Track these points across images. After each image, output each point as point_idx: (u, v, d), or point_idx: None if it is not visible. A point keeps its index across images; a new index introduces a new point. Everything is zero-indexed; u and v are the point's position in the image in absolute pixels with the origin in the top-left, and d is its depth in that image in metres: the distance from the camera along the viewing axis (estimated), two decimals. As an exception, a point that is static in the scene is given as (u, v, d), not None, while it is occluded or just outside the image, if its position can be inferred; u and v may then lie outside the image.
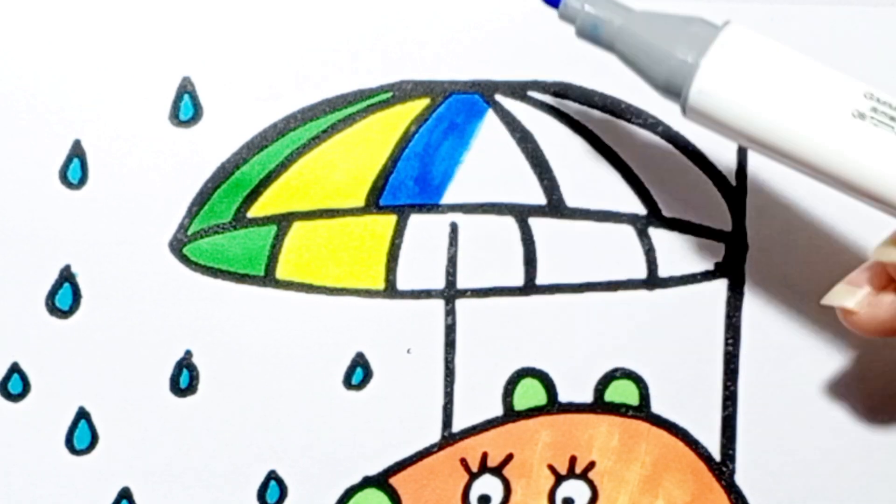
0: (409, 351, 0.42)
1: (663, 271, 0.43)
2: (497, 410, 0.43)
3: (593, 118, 0.43)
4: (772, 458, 0.43)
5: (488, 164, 0.42)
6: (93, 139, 0.42)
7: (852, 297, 0.37)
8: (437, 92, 0.42)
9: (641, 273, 0.43)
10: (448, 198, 0.42)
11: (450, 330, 0.42)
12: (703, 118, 0.34)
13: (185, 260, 0.42)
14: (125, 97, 0.42)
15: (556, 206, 0.43)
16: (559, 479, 0.43)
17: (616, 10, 0.35)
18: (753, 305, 0.43)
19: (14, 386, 0.42)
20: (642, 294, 0.42)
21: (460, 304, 0.42)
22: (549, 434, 0.43)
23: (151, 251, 0.42)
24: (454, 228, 0.42)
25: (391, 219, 0.42)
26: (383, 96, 0.42)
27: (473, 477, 0.43)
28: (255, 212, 0.42)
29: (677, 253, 0.43)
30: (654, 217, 0.43)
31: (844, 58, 0.43)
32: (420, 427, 0.42)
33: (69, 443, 0.42)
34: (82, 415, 0.42)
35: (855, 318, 0.37)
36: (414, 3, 0.42)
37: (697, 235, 0.43)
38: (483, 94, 0.43)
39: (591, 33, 0.36)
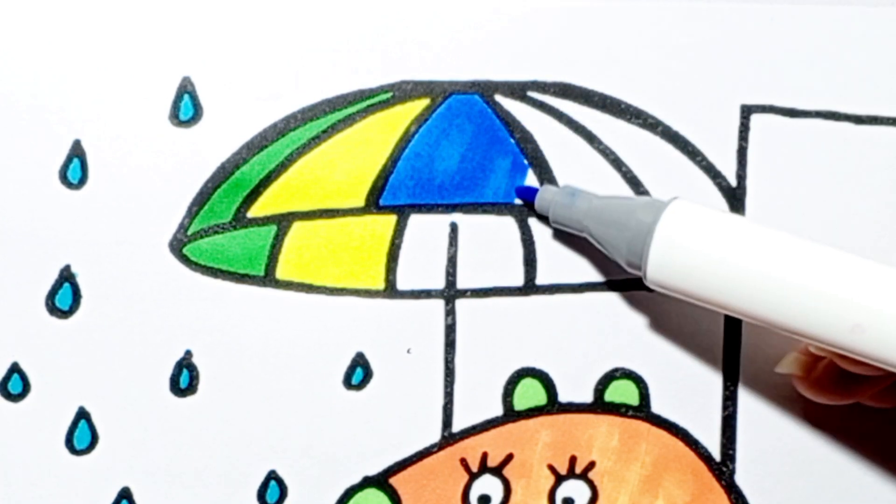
0: (409, 351, 0.42)
1: (663, 271, 0.43)
2: (497, 410, 0.43)
3: (593, 118, 0.43)
4: (772, 458, 0.43)
5: (488, 164, 0.42)
6: (93, 139, 0.42)
7: (796, 364, 0.41)
8: (437, 92, 0.42)
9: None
10: (448, 198, 0.42)
11: (450, 330, 0.42)
12: (662, 284, 0.38)
13: (185, 260, 0.42)
14: (125, 97, 0.42)
15: (556, 206, 0.42)
16: (559, 479, 0.43)
17: (580, 196, 0.40)
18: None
19: (14, 386, 0.42)
20: (642, 294, 0.42)
21: (460, 304, 0.42)
22: (549, 434, 0.43)
23: (151, 251, 0.42)
24: (454, 228, 0.42)
25: (391, 219, 0.42)
26: (383, 96, 0.42)
27: (473, 477, 0.43)
28: (255, 212, 0.42)
29: (677, 253, 0.43)
30: (654, 217, 0.43)
31: (844, 58, 0.43)
32: (420, 427, 0.42)
33: (69, 443, 0.42)
34: (82, 415, 0.42)
35: (801, 383, 0.41)
36: (414, 3, 0.42)
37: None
38: (483, 94, 0.43)
39: (562, 219, 0.41)
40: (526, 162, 0.42)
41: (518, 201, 0.43)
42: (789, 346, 0.41)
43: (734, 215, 0.39)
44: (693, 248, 0.37)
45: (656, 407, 0.43)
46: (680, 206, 0.38)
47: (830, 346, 0.36)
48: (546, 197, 0.41)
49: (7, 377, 0.42)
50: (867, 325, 0.35)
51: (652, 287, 0.38)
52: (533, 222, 0.43)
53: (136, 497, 0.42)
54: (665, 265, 0.37)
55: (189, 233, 0.42)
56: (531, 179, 0.42)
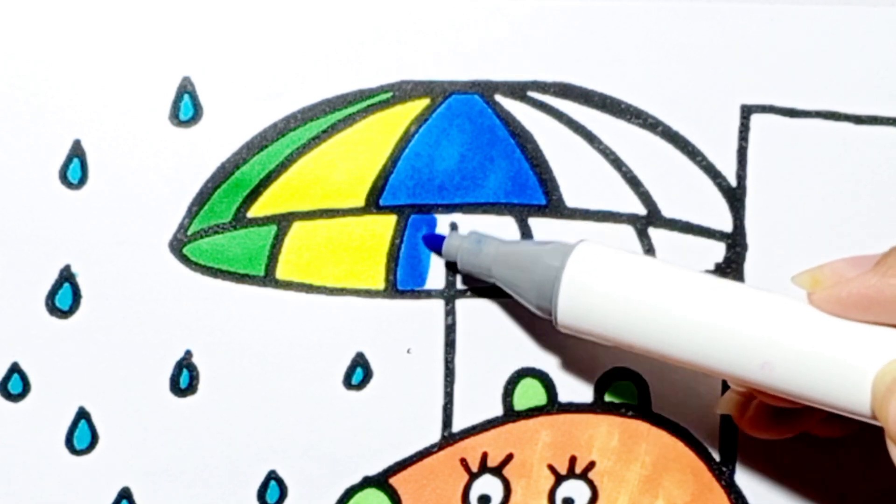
0: (409, 351, 0.42)
1: (663, 271, 0.43)
2: (497, 410, 0.43)
3: (593, 118, 0.43)
4: (772, 458, 0.43)
5: (488, 165, 0.42)
6: (93, 139, 0.42)
7: (730, 404, 0.41)
8: (437, 92, 0.42)
9: (641, 273, 0.43)
10: (448, 198, 0.42)
11: (450, 330, 0.42)
12: (572, 328, 0.38)
13: (185, 260, 0.42)
14: (125, 97, 0.42)
15: (556, 206, 0.43)
16: (559, 479, 0.43)
17: (487, 242, 0.40)
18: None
19: (14, 386, 0.42)
20: (642, 294, 0.42)
21: (460, 304, 0.42)
22: (549, 434, 0.43)
23: (151, 251, 0.42)
24: (454, 228, 0.42)
25: (391, 219, 0.42)
26: (383, 96, 0.42)
27: (473, 477, 0.43)
28: (255, 212, 0.42)
29: (677, 253, 0.43)
30: (654, 217, 0.43)
31: (844, 58, 0.43)
32: (420, 427, 0.42)
33: (69, 443, 0.42)
34: (82, 415, 0.42)
35: (738, 423, 0.41)
36: (414, 3, 0.42)
37: (697, 235, 0.43)
38: (483, 94, 0.43)
39: (470, 265, 0.41)
40: (526, 163, 0.43)
41: (517, 201, 0.43)
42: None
43: (642, 256, 0.39)
44: (601, 290, 0.37)
45: (656, 407, 0.43)
46: (586, 249, 0.38)
47: (742, 382, 0.36)
48: (453, 244, 0.41)
49: (7, 377, 0.42)
50: (776, 361, 0.35)
51: (563, 331, 0.38)
52: (533, 222, 0.43)
53: (136, 497, 0.42)
54: (574, 309, 0.37)
55: (189, 233, 0.42)
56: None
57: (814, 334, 0.35)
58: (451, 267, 0.42)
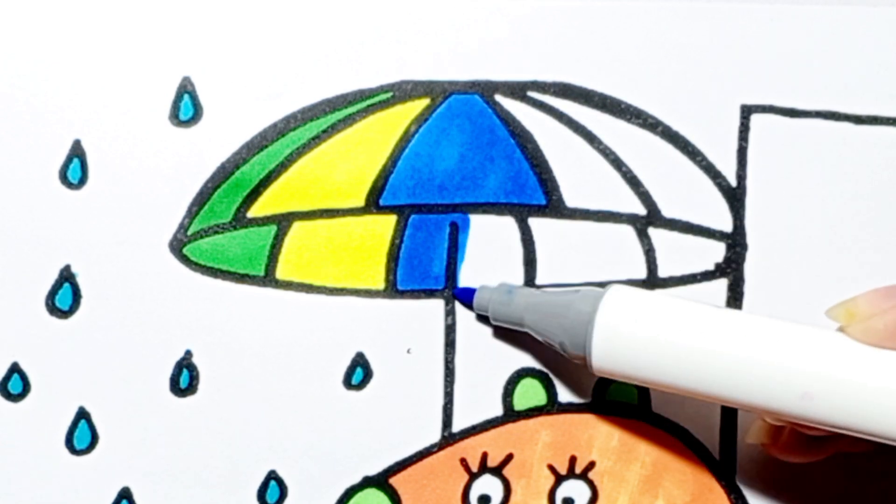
0: (409, 351, 0.42)
1: (663, 271, 0.43)
2: (497, 410, 0.43)
3: (593, 118, 0.43)
4: (772, 458, 0.43)
5: (488, 165, 0.42)
6: (93, 139, 0.42)
7: (762, 433, 0.41)
8: (437, 92, 0.42)
9: (641, 273, 0.43)
10: (448, 198, 0.42)
11: (450, 330, 0.42)
12: (608, 372, 0.38)
13: (185, 260, 0.42)
14: (125, 97, 0.42)
15: (556, 206, 0.43)
16: (559, 479, 0.43)
17: (517, 293, 0.41)
18: (753, 305, 0.43)
19: (14, 386, 0.42)
20: (642, 294, 0.42)
21: (460, 304, 0.42)
22: (549, 434, 0.43)
23: (151, 251, 0.42)
24: (454, 228, 0.42)
25: (391, 219, 0.42)
26: (383, 96, 0.42)
27: (473, 477, 0.43)
28: (255, 212, 0.42)
29: (677, 253, 0.43)
30: (654, 217, 0.43)
31: (844, 58, 0.43)
32: (420, 427, 0.42)
33: (69, 443, 0.42)
34: (82, 415, 0.42)
35: (771, 450, 0.41)
36: (414, 3, 0.42)
37: (697, 235, 0.43)
38: (483, 94, 0.43)
39: (503, 317, 0.41)
40: (526, 163, 0.43)
41: (517, 201, 0.43)
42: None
43: (671, 296, 0.39)
44: (634, 333, 0.37)
45: (656, 407, 0.43)
46: (617, 293, 0.38)
47: (782, 415, 0.36)
48: (484, 297, 0.41)
49: (7, 377, 0.42)
50: (816, 391, 0.35)
51: (597, 375, 0.38)
52: (533, 222, 0.43)
53: (136, 497, 0.42)
54: (608, 353, 0.37)
55: (189, 233, 0.42)
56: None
57: (853, 364, 0.35)
58: (484, 320, 0.42)
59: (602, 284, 0.40)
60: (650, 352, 0.37)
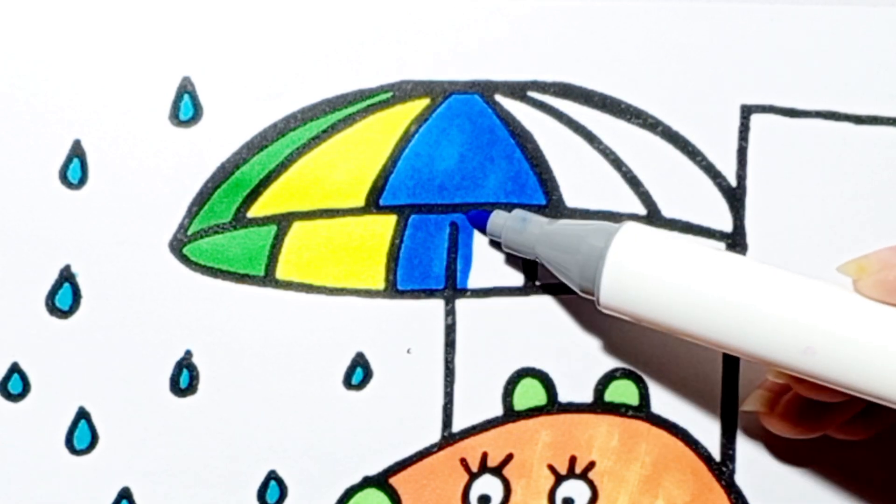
0: (409, 351, 0.42)
1: (663, 271, 0.43)
2: (497, 410, 0.43)
3: (593, 118, 0.43)
4: (772, 458, 0.43)
5: (488, 165, 0.42)
6: (93, 139, 0.42)
7: (758, 400, 0.41)
8: (437, 92, 0.42)
9: (641, 273, 0.43)
10: (448, 198, 0.42)
11: (450, 330, 0.42)
12: (615, 308, 0.38)
13: (185, 260, 0.42)
14: (125, 97, 0.42)
15: (556, 206, 0.43)
16: (559, 479, 0.43)
17: (532, 221, 0.41)
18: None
19: (14, 386, 0.42)
20: (642, 294, 0.42)
21: (460, 304, 0.42)
22: (549, 434, 0.43)
23: (151, 251, 0.42)
24: (454, 228, 0.42)
25: (391, 219, 0.42)
26: (383, 96, 0.42)
27: (473, 477, 0.43)
28: (255, 212, 0.42)
29: (677, 253, 0.43)
30: (654, 217, 0.43)
31: (844, 58, 0.43)
32: (420, 427, 0.42)
33: (69, 443, 0.42)
34: (82, 415, 0.42)
35: (766, 419, 0.41)
36: (414, 3, 0.42)
37: (697, 235, 0.43)
38: (483, 94, 0.43)
39: (514, 243, 0.41)
40: (526, 163, 0.43)
41: (518, 201, 0.43)
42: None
43: (685, 239, 0.39)
44: (643, 272, 0.37)
45: (656, 407, 0.43)
46: (631, 230, 0.38)
47: (783, 368, 0.36)
48: (498, 222, 0.41)
49: (7, 377, 0.42)
50: (819, 346, 0.35)
51: (605, 311, 0.38)
52: (533, 222, 0.43)
53: (136, 497, 0.42)
54: (617, 290, 0.37)
55: (189, 233, 0.42)
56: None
57: (858, 320, 0.35)
58: (495, 245, 0.42)
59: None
60: (657, 292, 0.37)
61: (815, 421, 0.40)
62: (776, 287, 0.36)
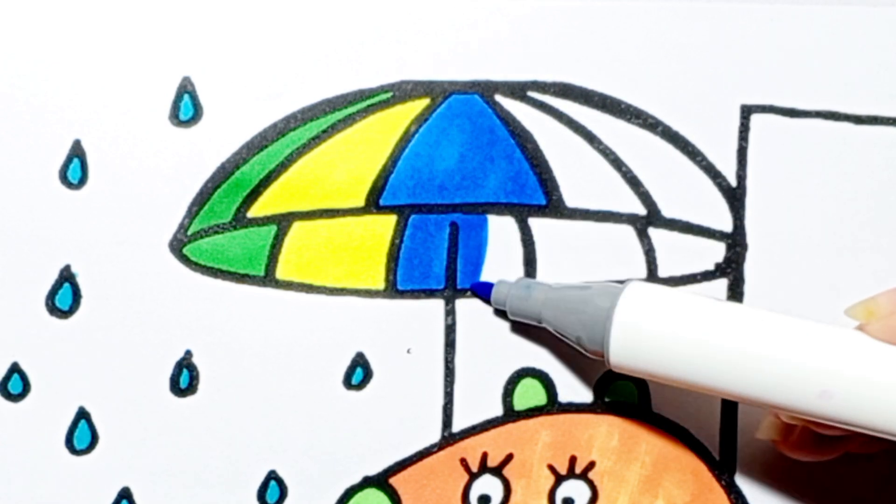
0: (409, 351, 0.42)
1: (663, 271, 0.43)
2: (497, 410, 0.43)
3: (593, 118, 0.43)
4: (772, 458, 0.43)
5: (488, 165, 0.42)
6: (93, 139, 0.42)
7: (773, 429, 0.41)
8: (437, 92, 0.42)
9: (641, 273, 0.43)
10: (448, 198, 0.42)
11: (450, 330, 0.42)
12: (626, 368, 0.38)
13: (185, 260, 0.42)
14: (125, 97, 0.42)
15: (556, 206, 0.43)
16: (559, 479, 0.43)
17: (536, 287, 0.41)
18: (753, 305, 0.43)
19: (14, 386, 0.42)
20: (642, 294, 0.42)
21: (460, 304, 0.42)
22: (549, 434, 0.43)
23: (151, 251, 0.42)
24: (454, 228, 0.42)
25: (391, 219, 0.42)
26: (383, 96, 0.42)
27: (473, 477, 0.43)
28: (255, 212, 0.42)
29: (677, 253, 0.43)
30: (654, 217, 0.43)
31: (844, 58, 0.43)
32: (420, 427, 0.42)
33: (69, 443, 0.42)
34: (82, 415, 0.42)
35: (781, 447, 0.41)
36: (414, 3, 0.42)
37: (697, 235, 0.43)
38: (483, 94, 0.43)
39: (520, 312, 0.41)
40: (526, 163, 0.43)
41: (517, 201, 0.43)
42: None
43: (690, 293, 0.38)
44: (652, 329, 0.37)
45: (656, 407, 0.43)
46: (636, 290, 0.38)
47: (800, 413, 0.36)
48: (502, 291, 0.41)
49: (7, 377, 0.42)
50: (834, 390, 0.35)
51: (615, 370, 0.38)
52: (533, 222, 0.43)
53: (136, 497, 0.42)
54: (627, 349, 0.37)
55: (189, 233, 0.42)
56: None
57: (872, 363, 0.35)
58: (502, 314, 0.42)
59: (620, 281, 0.40)
60: (668, 348, 0.37)
61: (829, 446, 0.40)
62: (786, 334, 0.36)
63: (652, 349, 0.37)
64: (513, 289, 0.41)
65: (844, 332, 0.36)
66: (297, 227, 0.42)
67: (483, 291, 0.42)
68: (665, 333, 0.37)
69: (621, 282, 0.39)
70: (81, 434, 0.42)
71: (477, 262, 0.42)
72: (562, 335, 0.40)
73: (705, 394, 0.37)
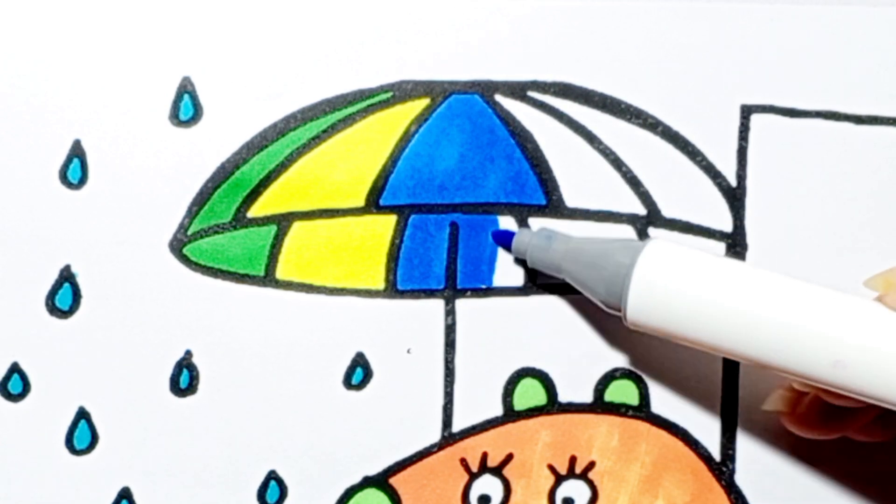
0: (409, 351, 0.42)
1: (663, 271, 0.43)
2: (497, 410, 0.43)
3: (593, 118, 0.43)
4: (772, 458, 0.43)
5: (488, 165, 0.42)
6: (93, 139, 0.42)
7: (781, 401, 0.41)
8: (437, 92, 0.42)
9: (641, 273, 0.43)
10: (448, 198, 0.42)
11: (450, 330, 0.42)
12: (642, 325, 0.38)
13: (185, 260, 0.42)
14: (125, 97, 0.42)
15: (556, 206, 0.43)
16: (559, 479, 0.43)
17: (557, 238, 0.40)
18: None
19: (14, 386, 0.42)
20: (642, 294, 0.42)
21: (460, 304, 0.42)
22: (549, 434, 0.43)
23: (151, 251, 0.42)
24: (454, 228, 0.42)
25: (391, 219, 0.42)
26: (383, 96, 0.42)
27: (473, 477, 0.43)
28: (255, 212, 0.42)
29: (677, 253, 0.43)
30: (654, 217, 0.43)
31: (844, 58, 0.43)
32: (420, 427, 0.42)
33: (69, 443, 0.42)
34: (82, 415, 0.42)
35: (786, 419, 0.41)
36: (414, 3, 0.42)
37: (697, 235, 0.43)
38: (483, 94, 0.43)
39: (540, 262, 0.41)
40: (526, 162, 0.43)
41: (517, 201, 0.43)
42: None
43: (711, 254, 0.38)
44: (671, 288, 0.37)
45: (656, 407, 0.43)
46: (657, 247, 0.38)
47: (813, 381, 0.36)
48: (523, 240, 0.41)
49: (7, 377, 0.42)
50: (848, 359, 0.35)
51: (631, 328, 0.38)
52: (533, 222, 0.43)
53: (136, 497, 0.42)
54: (644, 306, 0.37)
55: (189, 233, 0.42)
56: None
57: (887, 333, 0.35)
58: (521, 263, 0.42)
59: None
60: (685, 308, 0.37)
61: (836, 422, 0.40)
62: (805, 301, 0.36)
63: (669, 308, 0.37)
64: (534, 238, 0.41)
65: (862, 301, 0.36)
66: (297, 227, 0.42)
67: (503, 240, 0.42)
68: (683, 293, 0.37)
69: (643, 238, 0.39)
70: (81, 434, 0.42)
71: (491, 261, 0.42)
72: (580, 287, 0.40)
73: (720, 355, 0.37)
